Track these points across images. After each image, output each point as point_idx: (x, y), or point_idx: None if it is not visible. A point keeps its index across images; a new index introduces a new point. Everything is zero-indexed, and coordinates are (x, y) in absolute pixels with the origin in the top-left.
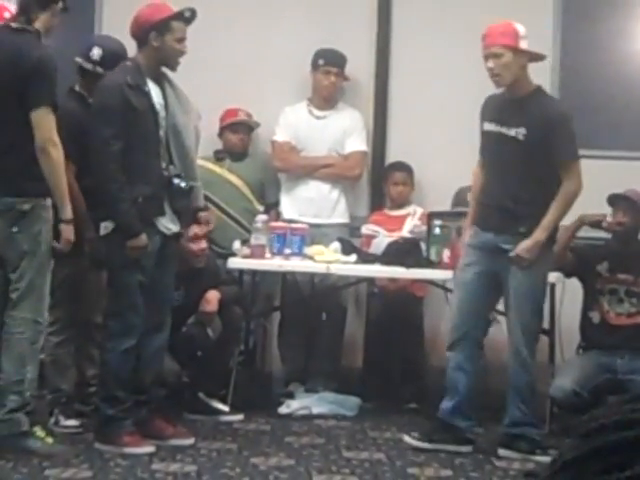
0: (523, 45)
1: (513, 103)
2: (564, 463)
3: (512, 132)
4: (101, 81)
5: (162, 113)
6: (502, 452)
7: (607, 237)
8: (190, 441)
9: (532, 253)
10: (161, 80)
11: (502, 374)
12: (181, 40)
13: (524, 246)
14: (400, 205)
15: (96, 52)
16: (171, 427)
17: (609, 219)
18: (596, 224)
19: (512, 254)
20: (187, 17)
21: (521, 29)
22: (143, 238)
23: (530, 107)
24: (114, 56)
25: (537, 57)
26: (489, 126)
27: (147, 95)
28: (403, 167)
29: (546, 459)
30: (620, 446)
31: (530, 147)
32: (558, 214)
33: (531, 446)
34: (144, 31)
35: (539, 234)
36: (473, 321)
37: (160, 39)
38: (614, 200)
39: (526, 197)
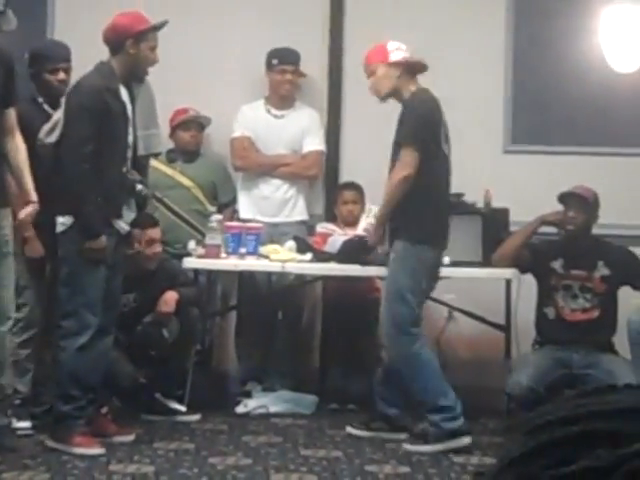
0: (394, 58)
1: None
2: (511, 460)
3: None
4: (81, 81)
5: (131, 118)
6: None
7: (561, 233)
8: (131, 437)
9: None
10: (130, 85)
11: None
12: (154, 48)
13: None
14: (351, 224)
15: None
16: (114, 425)
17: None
18: (555, 223)
19: None
20: (158, 27)
21: (391, 45)
22: (102, 240)
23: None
24: (37, 57)
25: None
26: None
27: (122, 101)
28: (353, 186)
29: None
30: (566, 441)
31: None
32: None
33: None
34: (121, 38)
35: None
36: None
37: (136, 47)
38: (565, 198)
39: None
